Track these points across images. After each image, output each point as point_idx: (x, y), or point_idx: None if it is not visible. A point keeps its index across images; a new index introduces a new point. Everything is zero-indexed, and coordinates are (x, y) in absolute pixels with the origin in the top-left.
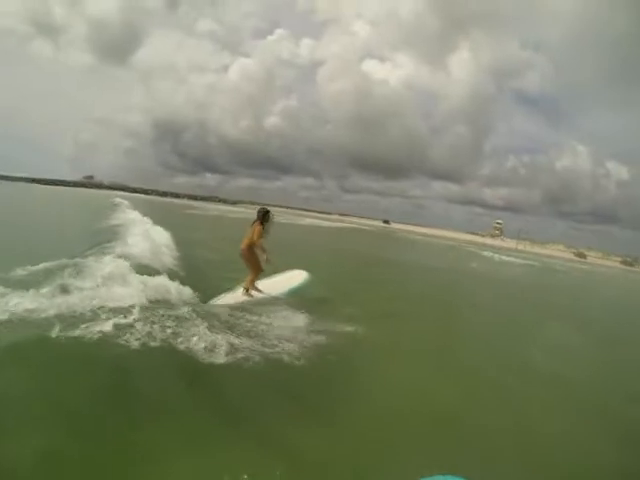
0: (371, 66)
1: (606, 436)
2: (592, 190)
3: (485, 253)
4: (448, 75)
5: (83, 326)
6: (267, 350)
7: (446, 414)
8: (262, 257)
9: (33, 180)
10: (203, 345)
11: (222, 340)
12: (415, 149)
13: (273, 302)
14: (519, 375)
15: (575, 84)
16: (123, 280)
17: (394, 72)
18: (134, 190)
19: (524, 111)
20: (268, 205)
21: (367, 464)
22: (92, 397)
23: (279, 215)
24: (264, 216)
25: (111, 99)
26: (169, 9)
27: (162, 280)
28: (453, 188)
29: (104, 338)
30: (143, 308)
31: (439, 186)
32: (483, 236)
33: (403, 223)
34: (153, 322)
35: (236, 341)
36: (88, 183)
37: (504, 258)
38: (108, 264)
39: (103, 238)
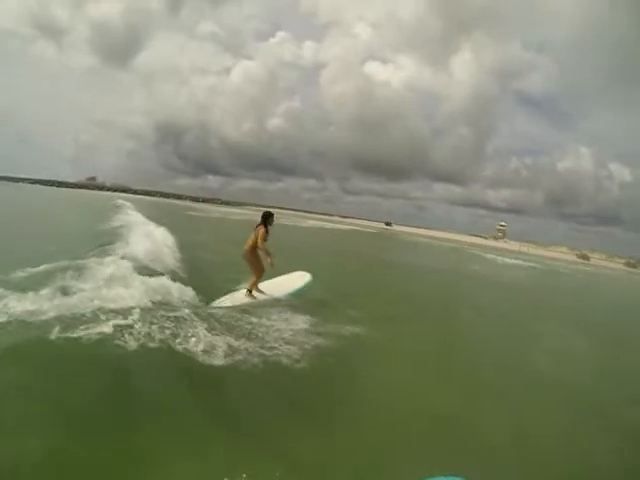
0: (373, 68)
1: (607, 438)
2: (595, 192)
3: (488, 255)
4: (450, 76)
5: (83, 327)
6: (266, 352)
7: (447, 416)
8: (266, 260)
9: (35, 181)
10: (202, 347)
11: (221, 342)
12: (417, 151)
13: (275, 304)
14: (521, 377)
15: (578, 85)
16: (125, 281)
17: (396, 74)
18: (135, 192)
19: (526, 112)
20: (270, 207)
21: (367, 465)
22: (91, 398)
23: (282, 217)
24: (267, 219)
25: (113, 101)
26: (171, 12)
27: (164, 281)
28: (455, 190)
29: (104, 339)
30: (144, 309)
31: (441, 188)
32: (486, 238)
33: (405, 225)
34: (153, 323)
35: (235, 343)
36: (90, 185)
37: (507, 260)
38: (110, 265)
39: (105, 240)
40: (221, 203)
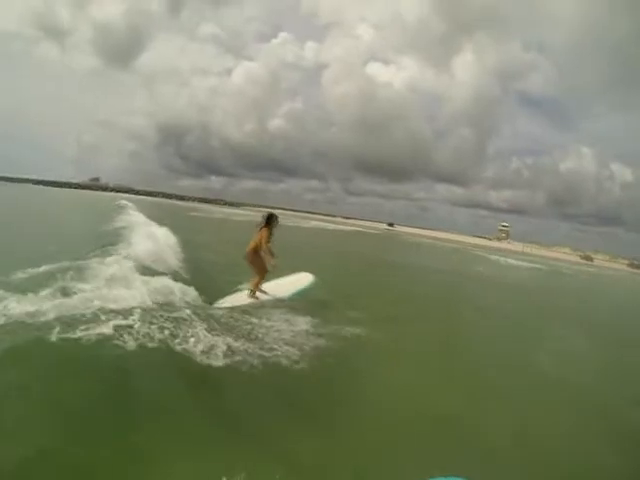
0: (375, 69)
1: (610, 439)
2: (596, 192)
3: (492, 256)
4: (452, 78)
5: (83, 328)
6: (265, 353)
7: (449, 416)
8: (270, 261)
9: (39, 182)
10: (201, 347)
11: (221, 342)
12: (419, 152)
13: (277, 305)
14: (524, 378)
15: (579, 86)
16: (126, 282)
17: (398, 75)
18: (138, 192)
19: (527, 113)
20: (273, 207)
21: (368, 466)
22: (91, 398)
23: (284, 218)
24: (271, 221)
25: (116, 102)
26: (172, 13)
27: (166, 282)
28: (457, 191)
29: (104, 340)
30: (145, 310)
31: (443, 189)
32: (490, 239)
33: (407, 226)
34: (154, 324)
35: (235, 344)
36: (94, 185)
37: (511, 261)
38: (111, 266)
39: (107, 240)
40: (224, 204)
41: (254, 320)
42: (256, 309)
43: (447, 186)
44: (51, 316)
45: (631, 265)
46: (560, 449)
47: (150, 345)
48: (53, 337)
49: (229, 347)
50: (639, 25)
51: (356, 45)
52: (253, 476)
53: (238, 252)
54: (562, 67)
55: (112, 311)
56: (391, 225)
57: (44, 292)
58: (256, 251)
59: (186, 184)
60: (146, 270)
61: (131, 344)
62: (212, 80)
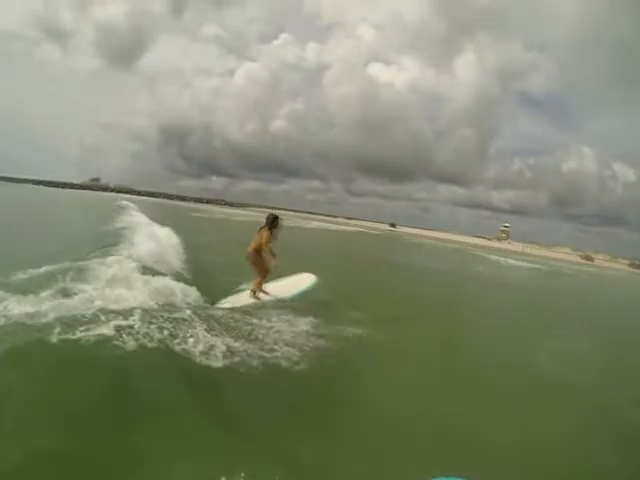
0: (376, 69)
1: (611, 439)
2: (598, 192)
3: (492, 257)
4: (453, 78)
5: (84, 329)
6: (265, 354)
7: (451, 417)
8: (271, 262)
9: (40, 182)
10: (201, 348)
11: (221, 343)
12: (420, 152)
13: (279, 305)
14: (524, 378)
15: (580, 85)
16: (127, 282)
17: (399, 75)
18: (139, 193)
19: (529, 113)
20: (274, 208)
21: (369, 467)
22: (91, 399)
23: (286, 219)
24: (273, 222)
25: (118, 103)
26: (174, 14)
27: (167, 282)
28: (459, 191)
29: (104, 340)
30: (146, 310)
31: (445, 189)
32: (490, 239)
33: (409, 226)
34: (155, 324)
35: (235, 344)
36: (94, 186)
37: (511, 261)
38: (113, 266)
39: (108, 241)
40: (225, 204)
41: (254, 321)
42: (257, 309)
43: (448, 186)
44: (51, 317)
45: (632, 265)
46: (561, 449)
47: (150, 345)
48: (53, 338)
49: (228, 348)
50: None
51: (357, 46)
52: (253, 477)
53: (240, 252)
54: (563, 66)
55: (113, 312)
56: (393, 226)
57: (44, 293)
58: (258, 251)
59: (187, 184)
60: (148, 270)
61: (131, 344)
62: (214, 81)
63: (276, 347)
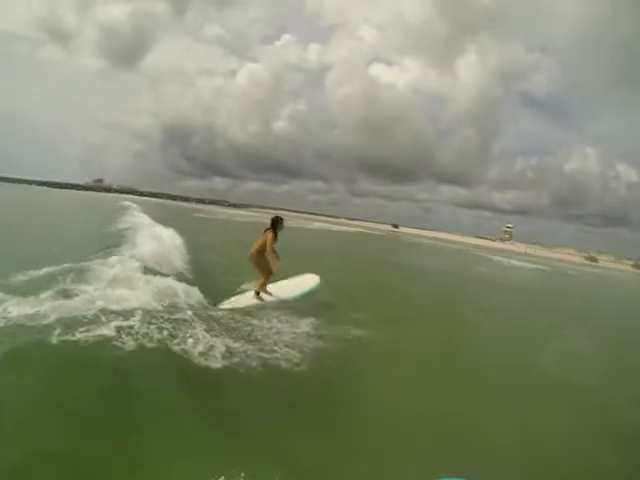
0: (378, 70)
1: (612, 440)
2: (601, 192)
3: (495, 257)
4: (455, 78)
5: (84, 329)
6: (265, 355)
7: (452, 418)
8: (275, 263)
9: (43, 183)
10: (200, 348)
11: (220, 344)
12: (422, 153)
13: (281, 306)
14: (526, 379)
15: (582, 85)
16: (130, 282)
17: (401, 76)
18: (142, 194)
19: (531, 113)
20: (276, 209)
21: (369, 468)
22: (91, 399)
23: (288, 219)
24: (276, 224)
25: (120, 103)
26: (177, 15)
27: (170, 282)
28: (461, 192)
29: (106, 341)
30: (147, 311)
31: (447, 190)
32: (493, 240)
33: (411, 227)
34: (156, 325)
35: (235, 345)
36: (97, 186)
37: (514, 262)
38: (115, 267)
39: (111, 242)
40: (228, 205)
41: (255, 321)
42: (259, 310)
43: (451, 187)
44: (52, 318)
45: (636, 266)
46: (561, 449)
47: (150, 346)
48: (53, 339)
49: (228, 348)
50: None
51: (359, 46)
52: (253, 477)
53: (242, 253)
54: (565, 66)
55: (114, 312)
56: (396, 226)
57: (46, 294)
58: (260, 253)
59: (190, 185)
60: (150, 271)
61: (131, 345)
62: (217, 81)
63: (276, 348)
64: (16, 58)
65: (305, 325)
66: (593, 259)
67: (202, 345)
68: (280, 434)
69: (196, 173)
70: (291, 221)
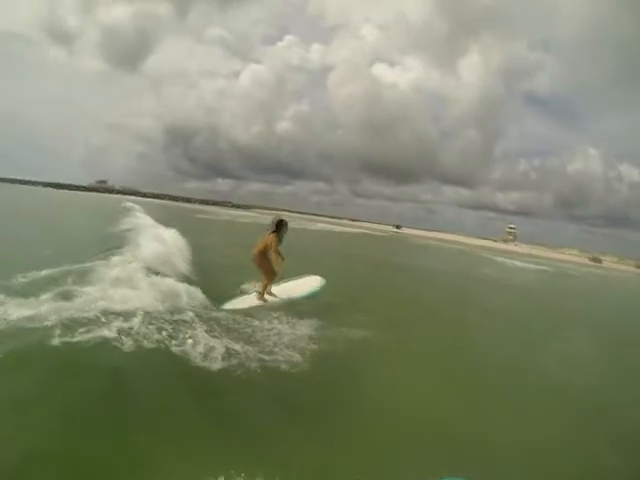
0: (381, 70)
1: (612, 441)
2: (604, 193)
3: (498, 258)
4: (458, 78)
5: (84, 330)
6: (265, 357)
7: (454, 420)
8: (279, 265)
9: (47, 184)
10: (201, 350)
11: (220, 345)
12: (425, 153)
13: (283, 307)
14: (529, 380)
15: (585, 84)
16: (132, 283)
17: (404, 76)
18: (145, 195)
19: (534, 113)
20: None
21: (369, 469)
22: (91, 400)
23: (291, 220)
24: (279, 227)
25: (123, 105)
26: (179, 17)
27: (172, 283)
28: (464, 193)
29: (106, 342)
30: (149, 312)
31: (450, 191)
32: (496, 241)
33: (415, 228)
34: (157, 327)
35: (235, 346)
36: (100, 188)
37: (517, 263)
38: (117, 268)
39: (113, 243)
40: (231, 206)
41: (257, 323)
42: (261, 312)
43: (454, 188)
44: (53, 319)
45: (638, 267)
46: (562, 450)
47: (150, 347)
48: (54, 340)
49: (228, 349)
50: None
51: (361, 46)
52: (252, 478)
53: (245, 254)
54: (568, 65)
55: (115, 313)
56: (398, 227)
57: (47, 295)
58: (263, 254)
59: (193, 186)
60: (153, 272)
61: (132, 346)
62: (219, 82)
63: (277, 350)
64: (18, 59)
65: (306, 327)
66: (597, 260)
67: (202, 346)
68: (280, 435)
69: (199, 174)
70: (294, 222)
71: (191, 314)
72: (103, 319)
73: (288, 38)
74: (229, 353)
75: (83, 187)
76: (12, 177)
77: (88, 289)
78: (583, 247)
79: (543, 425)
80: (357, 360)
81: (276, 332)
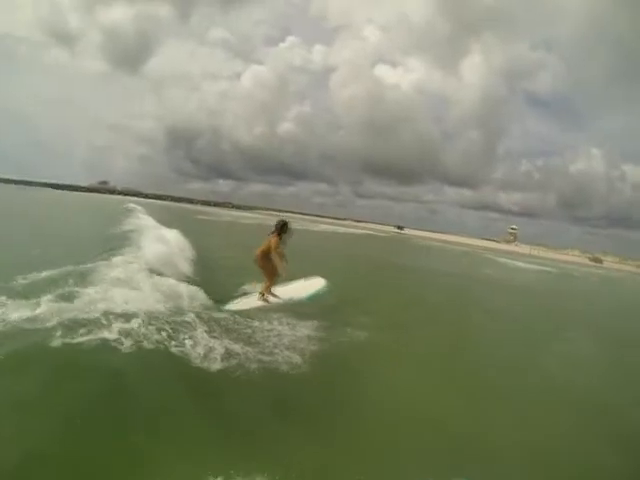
0: (383, 71)
1: (612, 441)
2: (607, 193)
3: (500, 259)
4: (460, 79)
5: (85, 331)
6: (265, 358)
7: (455, 420)
8: (283, 267)
9: (49, 185)
10: (200, 350)
11: (220, 345)
12: (428, 154)
13: (285, 308)
14: (531, 381)
15: (588, 83)
16: (134, 284)
17: (406, 77)
18: (147, 196)
19: (537, 113)
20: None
21: (369, 469)
22: (91, 401)
23: (294, 222)
24: (282, 228)
25: (124, 106)
26: (181, 18)
27: (174, 284)
28: (466, 193)
29: (106, 343)
30: (150, 312)
31: (452, 191)
32: (498, 242)
33: (417, 229)
34: (158, 327)
35: (235, 347)
36: (102, 188)
37: (519, 264)
38: (118, 269)
39: (115, 244)
40: (232, 207)
41: (257, 324)
42: (262, 313)
43: (456, 189)
44: (54, 320)
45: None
46: (562, 450)
47: (150, 348)
48: (55, 341)
49: (227, 350)
50: None
51: (364, 47)
52: (252, 478)
53: (247, 255)
54: (570, 64)
55: (116, 314)
56: (400, 228)
57: (48, 297)
58: (266, 255)
59: (195, 187)
60: (155, 273)
61: (132, 347)
62: (222, 84)
63: (276, 351)
64: (20, 60)
65: (307, 328)
66: (597, 260)
67: (202, 347)
68: (279, 435)
69: (201, 175)
70: (297, 223)
71: (192, 315)
72: (104, 320)
73: (290, 39)
74: (229, 354)
75: (84, 188)
76: (12, 177)
77: (89, 290)
78: (585, 248)
79: (543, 425)
80: (357, 361)
81: (276, 333)
